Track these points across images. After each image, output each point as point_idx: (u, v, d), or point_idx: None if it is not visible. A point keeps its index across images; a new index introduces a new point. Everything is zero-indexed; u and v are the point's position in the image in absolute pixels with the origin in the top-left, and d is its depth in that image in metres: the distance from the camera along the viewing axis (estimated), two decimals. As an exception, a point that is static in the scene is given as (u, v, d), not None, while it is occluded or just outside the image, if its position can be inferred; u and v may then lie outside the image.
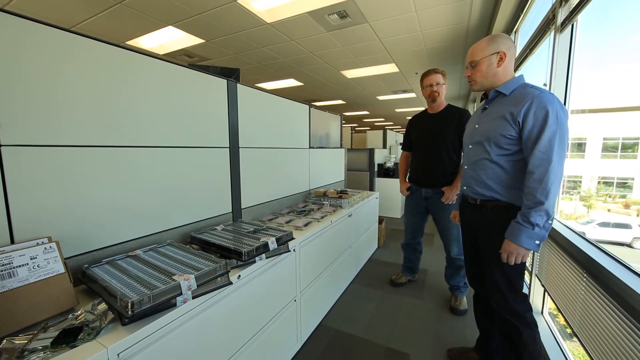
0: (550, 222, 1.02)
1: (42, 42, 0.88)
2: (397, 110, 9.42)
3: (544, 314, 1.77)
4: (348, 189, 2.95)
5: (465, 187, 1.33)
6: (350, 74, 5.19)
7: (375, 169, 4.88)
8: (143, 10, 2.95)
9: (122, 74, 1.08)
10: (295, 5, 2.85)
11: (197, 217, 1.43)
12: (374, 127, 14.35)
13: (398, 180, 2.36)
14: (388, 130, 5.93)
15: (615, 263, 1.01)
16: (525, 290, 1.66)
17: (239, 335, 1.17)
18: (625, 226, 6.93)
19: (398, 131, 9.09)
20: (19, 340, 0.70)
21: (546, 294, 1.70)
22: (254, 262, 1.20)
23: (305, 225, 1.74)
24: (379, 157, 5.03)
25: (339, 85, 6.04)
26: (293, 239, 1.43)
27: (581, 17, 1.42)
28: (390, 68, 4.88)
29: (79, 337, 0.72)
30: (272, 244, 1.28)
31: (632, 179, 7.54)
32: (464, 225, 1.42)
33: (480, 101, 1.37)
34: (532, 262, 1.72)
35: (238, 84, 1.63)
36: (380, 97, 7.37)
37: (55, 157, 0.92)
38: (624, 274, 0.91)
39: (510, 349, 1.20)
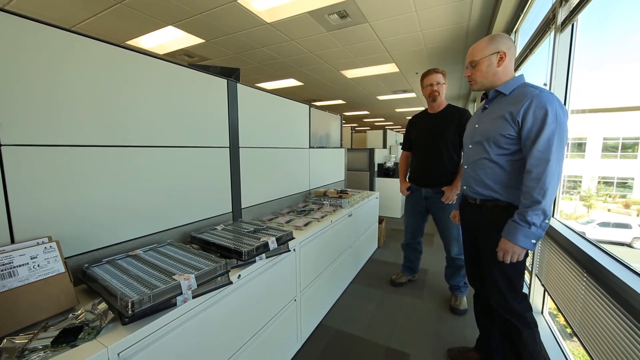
0: (547, 221, 1.02)
1: (42, 42, 0.88)
2: (397, 110, 9.42)
3: (544, 314, 1.77)
4: (348, 189, 2.95)
5: (465, 187, 1.34)
6: (351, 73, 5.19)
7: (375, 169, 4.88)
8: (143, 10, 2.95)
9: (122, 74, 1.08)
10: (295, 5, 2.85)
11: (197, 217, 1.43)
12: (374, 127, 14.35)
13: (398, 180, 2.36)
14: (388, 130, 5.94)
15: (615, 263, 1.01)
16: (525, 290, 1.66)
17: (239, 334, 1.17)
18: (625, 226, 6.92)
19: (398, 131, 9.09)
20: (20, 340, 0.70)
21: (546, 293, 1.70)
22: (254, 261, 1.20)
23: (306, 225, 1.74)
24: (379, 157, 5.03)
25: (339, 85, 6.04)
26: (293, 238, 1.43)
27: (581, 17, 1.42)
28: (390, 68, 4.88)
29: (79, 336, 0.72)
30: (272, 244, 1.28)
31: (632, 178, 7.53)
32: (464, 225, 1.42)
33: (481, 101, 1.37)
34: (532, 261, 1.72)
35: (238, 84, 1.63)
36: (380, 97, 7.37)
37: (55, 157, 0.92)
38: (624, 274, 0.91)
39: (510, 349, 1.20)
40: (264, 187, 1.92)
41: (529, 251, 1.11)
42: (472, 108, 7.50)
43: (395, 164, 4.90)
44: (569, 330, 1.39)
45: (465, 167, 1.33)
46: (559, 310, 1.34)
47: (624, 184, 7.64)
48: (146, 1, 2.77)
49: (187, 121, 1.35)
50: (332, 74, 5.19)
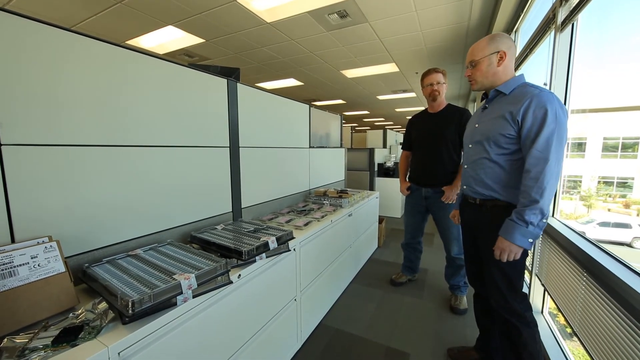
0: (544, 220, 1.03)
1: (42, 42, 0.88)
2: (397, 109, 9.42)
3: (544, 314, 1.77)
4: (348, 189, 2.95)
5: (465, 187, 1.34)
6: (350, 73, 5.19)
7: (375, 169, 4.88)
8: (143, 10, 2.95)
9: (122, 74, 1.08)
10: (295, 4, 2.85)
11: (197, 217, 1.43)
12: (374, 127, 14.35)
13: (398, 179, 2.36)
14: (388, 130, 5.94)
15: (615, 262, 1.01)
16: (525, 289, 1.66)
17: (239, 334, 1.17)
18: (625, 226, 6.92)
19: (398, 131, 9.09)
20: (20, 339, 0.70)
21: (546, 293, 1.70)
22: (254, 261, 1.20)
23: (306, 224, 1.74)
24: (379, 156, 5.03)
25: (339, 84, 6.04)
26: (293, 238, 1.43)
27: (581, 17, 1.42)
28: (390, 68, 4.88)
29: (80, 336, 0.72)
30: (273, 243, 1.28)
31: (632, 178, 7.53)
32: (464, 225, 1.42)
33: (481, 101, 1.37)
34: (532, 261, 1.72)
35: (238, 84, 1.63)
36: (380, 97, 7.37)
37: (56, 157, 0.92)
38: (624, 273, 0.91)
39: (510, 349, 1.20)
40: (264, 187, 1.92)
41: (529, 251, 1.11)
42: (472, 108, 7.50)
43: (395, 163, 4.90)
44: (569, 329, 1.39)
45: (465, 166, 1.33)
46: (559, 310, 1.34)
47: (624, 184, 7.64)
48: (146, 1, 2.77)
49: (187, 121, 1.35)
50: (332, 73, 5.19)
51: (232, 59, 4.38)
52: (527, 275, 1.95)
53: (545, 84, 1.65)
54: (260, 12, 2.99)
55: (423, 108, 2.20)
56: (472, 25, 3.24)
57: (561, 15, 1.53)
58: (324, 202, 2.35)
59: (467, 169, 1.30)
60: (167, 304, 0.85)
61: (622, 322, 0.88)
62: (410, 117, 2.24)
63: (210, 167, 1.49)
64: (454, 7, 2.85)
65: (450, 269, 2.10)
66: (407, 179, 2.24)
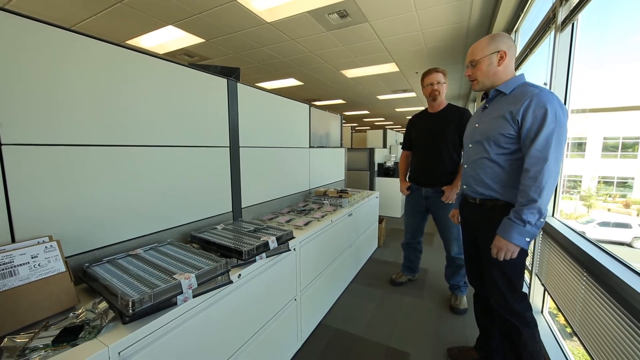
0: (542, 220, 1.03)
1: (42, 41, 0.88)
2: (397, 109, 9.42)
3: (543, 313, 1.77)
4: (348, 189, 2.95)
5: (465, 186, 1.34)
6: (351, 73, 5.19)
7: (376, 169, 4.88)
8: (143, 10, 2.95)
9: (122, 73, 1.08)
10: (295, 4, 2.84)
11: (197, 216, 1.43)
12: (374, 127, 14.35)
13: (398, 179, 2.36)
14: (388, 130, 5.93)
15: (615, 262, 1.01)
16: (525, 289, 1.66)
17: (240, 334, 1.17)
18: (625, 226, 6.93)
19: (398, 131, 9.09)
20: (20, 339, 0.70)
21: (546, 293, 1.71)
22: (254, 261, 1.20)
23: (306, 224, 1.74)
24: (379, 156, 5.03)
25: (339, 84, 6.04)
26: (293, 238, 1.43)
27: (581, 17, 1.42)
28: (390, 67, 4.88)
29: (80, 335, 0.72)
30: (273, 243, 1.28)
31: (632, 178, 7.53)
32: (464, 225, 1.42)
33: (481, 100, 1.37)
34: (532, 261, 1.72)
35: (238, 83, 1.63)
36: (381, 97, 7.37)
37: (56, 156, 0.92)
38: (624, 273, 0.91)
39: (510, 349, 1.20)
40: (264, 187, 1.92)
41: (529, 251, 1.11)
42: (472, 108, 7.50)
43: (395, 163, 4.90)
44: (568, 329, 1.39)
45: (465, 166, 1.33)
46: (559, 310, 1.34)
47: (624, 184, 7.64)
48: (146, 1, 2.76)
49: (187, 121, 1.35)
50: (332, 73, 5.19)
51: (232, 59, 4.38)
52: (527, 275, 1.95)
53: (545, 84, 1.65)
54: (260, 12, 2.99)
55: (423, 108, 2.20)
56: (472, 25, 3.24)
57: (561, 15, 1.53)
58: (324, 201, 2.35)
59: (467, 169, 1.30)
60: (168, 304, 0.85)
61: (622, 322, 0.88)
62: (410, 117, 2.24)
63: (210, 166, 1.49)
64: (454, 7, 2.85)
65: (450, 269, 2.10)
66: (407, 179, 2.24)
